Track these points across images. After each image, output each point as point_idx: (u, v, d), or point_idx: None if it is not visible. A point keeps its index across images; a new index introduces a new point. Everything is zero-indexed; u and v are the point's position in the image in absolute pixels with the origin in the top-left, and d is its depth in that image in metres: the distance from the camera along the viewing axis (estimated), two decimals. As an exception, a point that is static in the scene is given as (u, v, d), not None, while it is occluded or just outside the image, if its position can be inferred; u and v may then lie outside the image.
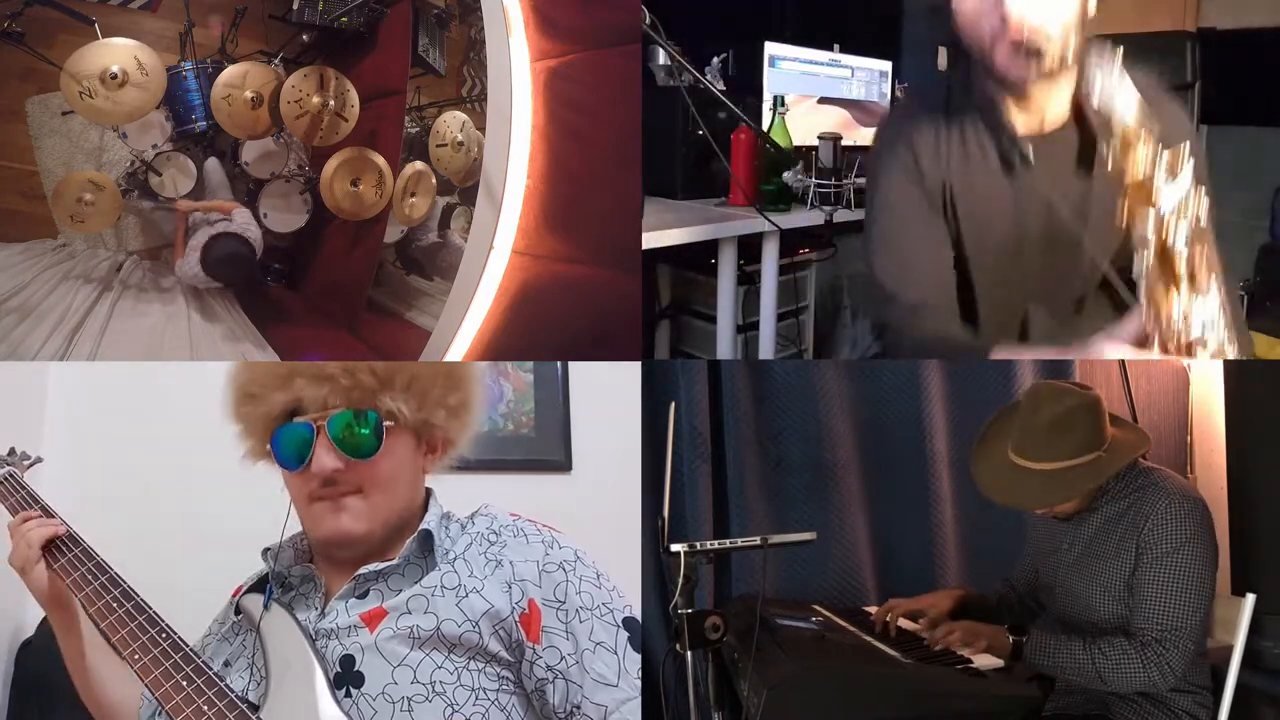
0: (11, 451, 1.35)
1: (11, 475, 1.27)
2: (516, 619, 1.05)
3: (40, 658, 1.97)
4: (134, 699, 1.19)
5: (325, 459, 1.08)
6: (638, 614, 1.13)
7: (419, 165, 2.96)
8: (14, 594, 1.15)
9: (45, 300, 2.66)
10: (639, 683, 1.08)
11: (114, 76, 2.49)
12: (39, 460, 1.34)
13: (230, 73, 2.72)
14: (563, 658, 1.05)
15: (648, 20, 2.00)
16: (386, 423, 1.10)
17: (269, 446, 1.11)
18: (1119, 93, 1.14)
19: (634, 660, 1.09)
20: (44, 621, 1.69)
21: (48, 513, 1.20)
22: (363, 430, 1.08)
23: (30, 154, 2.96)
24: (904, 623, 1.72)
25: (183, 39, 2.94)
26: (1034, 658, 1.51)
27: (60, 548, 1.15)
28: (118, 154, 2.99)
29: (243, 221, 2.82)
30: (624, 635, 1.10)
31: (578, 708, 1.05)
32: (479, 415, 1.22)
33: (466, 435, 1.21)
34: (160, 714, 1.03)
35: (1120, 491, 1.57)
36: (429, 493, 1.21)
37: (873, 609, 1.89)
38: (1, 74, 2.84)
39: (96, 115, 2.60)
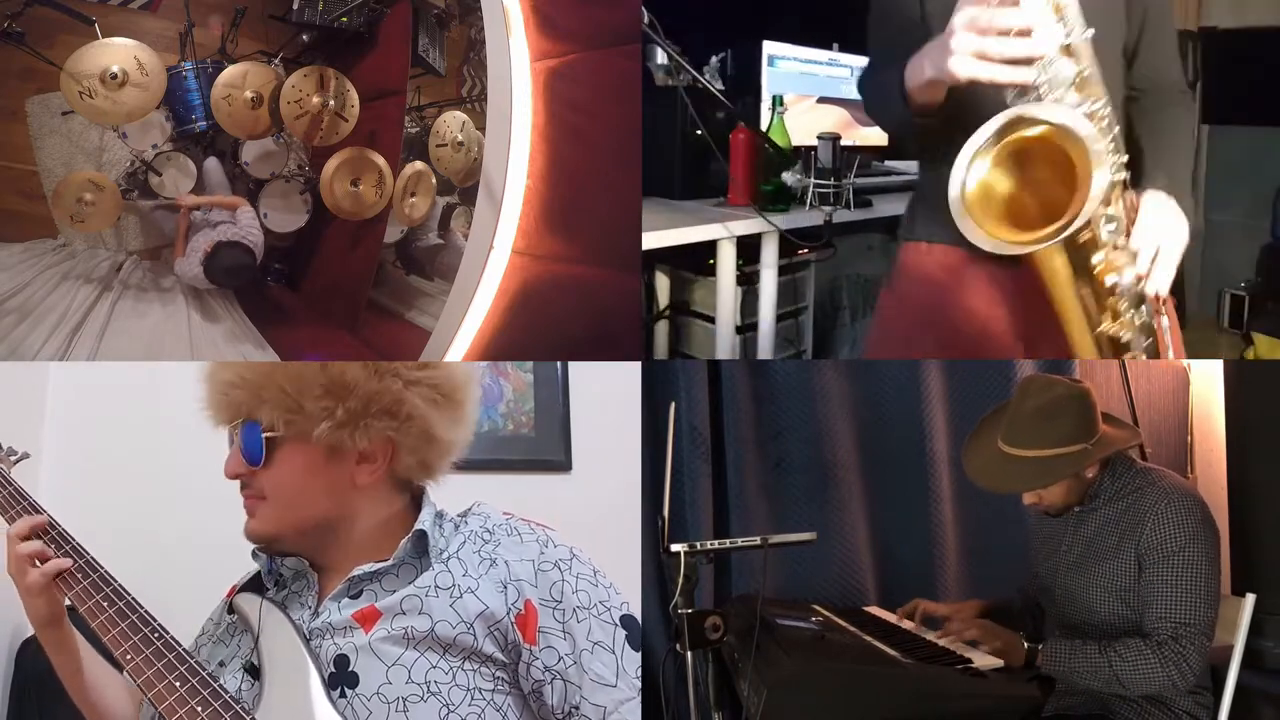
0: None
1: None
2: (512, 620, 1.05)
3: (40, 657, 1.96)
4: (133, 708, 1.19)
5: (230, 463, 1.14)
6: (636, 612, 1.13)
7: (419, 165, 2.97)
8: (13, 594, 1.14)
9: (45, 300, 2.66)
10: (638, 682, 1.08)
11: (114, 76, 2.50)
12: (25, 456, 1.32)
13: (230, 73, 2.72)
14: (560, 658, 1.05)
15: (646, 20, 2.00)
16: (267, 434, 1.11)
17: None
18: None
19: (632, 659, 1.08)
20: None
21: (34, 509, 1.18)
22: (250, 440, 1.11)
23: (30, 154, 2.96)
24: (907, 624, 1.72)
25: (183, 39, 2.94)
26: (1049, 666, 1.51)
27: (50, 547, 1.14)
28: (118, 154, 2.99)
29: (246, 223, 2.83)
30: (622, 634, 1.09)
31: (576, 708, 1.04)
32: (423, 424, 1.14)
33: (410, 446, 1.14)
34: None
35: (1119, 492, 1.57)
36: (422, 492, 1.20)
37: (873, 609, 1.89)
38: (1, 74, 2.84)
39: (96, 115, 2.60)
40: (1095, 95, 1.23)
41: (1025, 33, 1.17)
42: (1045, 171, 1.24)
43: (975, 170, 1.24)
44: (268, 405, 1.11)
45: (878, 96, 1.52)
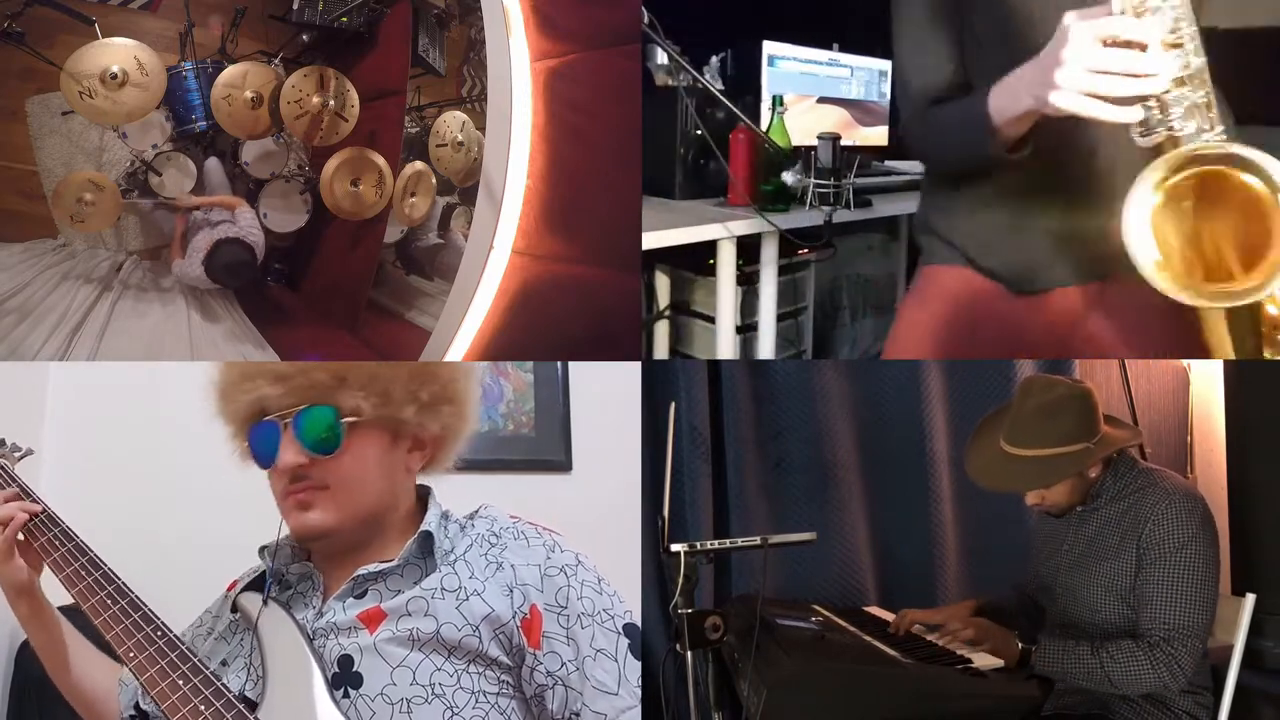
0: (2, 443, 1.32)
1: (2, 468, 1.25)
2: (518, 624, 1.05)
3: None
4: (113, 684, 1.19)
5: (288, 455, 1.08)
6: (636, 613, 1.13)
7: (419, 165, 2.97)
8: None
9: (45, 300, 2.66)
10: (639, 691, 1.08)
11: (114, 76, 2.50)
12: (29, 452, 1.32)
13: (230, 73, 2.72)
14: (563, 664, 1.05)
15: (646, 20, 2.00)
16: (348, 419, 1.09)
17: (246, 444, 1.13)
18: None
19: (634, 668, 1.08)
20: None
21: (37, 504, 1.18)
22: (322, 426, 1.09)
23: (30, 154, 2.96)
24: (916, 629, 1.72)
25: (183, 39, 2.95)
26: (1043, 666, 1.51)
27: (52, 543, 1.14)
28: (118, 154, 3.00)
29: (247, 223, 2.83)
30: (624, 642, 1.09)
31: (577, 715, 1.04)
32: (468, 411, 1.19)
33: (456, 433, 1.19)
34: (145, 698, 1.04)
35: (1120, 492, 1.57)
36: (428, 492, 1.20)
37: (873, 609, 1.89)
38: (1, 74, 2.84)
39: (96, 115, 2.60)
40: (1214, 122, 1.16)
41: (1146, 76, 1.09)
42: (1219, 206, 1.13)
43: (1156, 220, 1.12)
44: (351, 389, 1.10)
45: (951, 134, 1.41)
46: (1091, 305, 1.47)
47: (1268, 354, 1.26)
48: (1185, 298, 1.13)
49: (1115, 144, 1.32)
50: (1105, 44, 1.09)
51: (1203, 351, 1.28)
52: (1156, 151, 1.16)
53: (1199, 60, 1.15)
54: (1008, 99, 1.23)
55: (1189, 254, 1.15)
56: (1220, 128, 1.16)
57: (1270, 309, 1.23)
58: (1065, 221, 1.42)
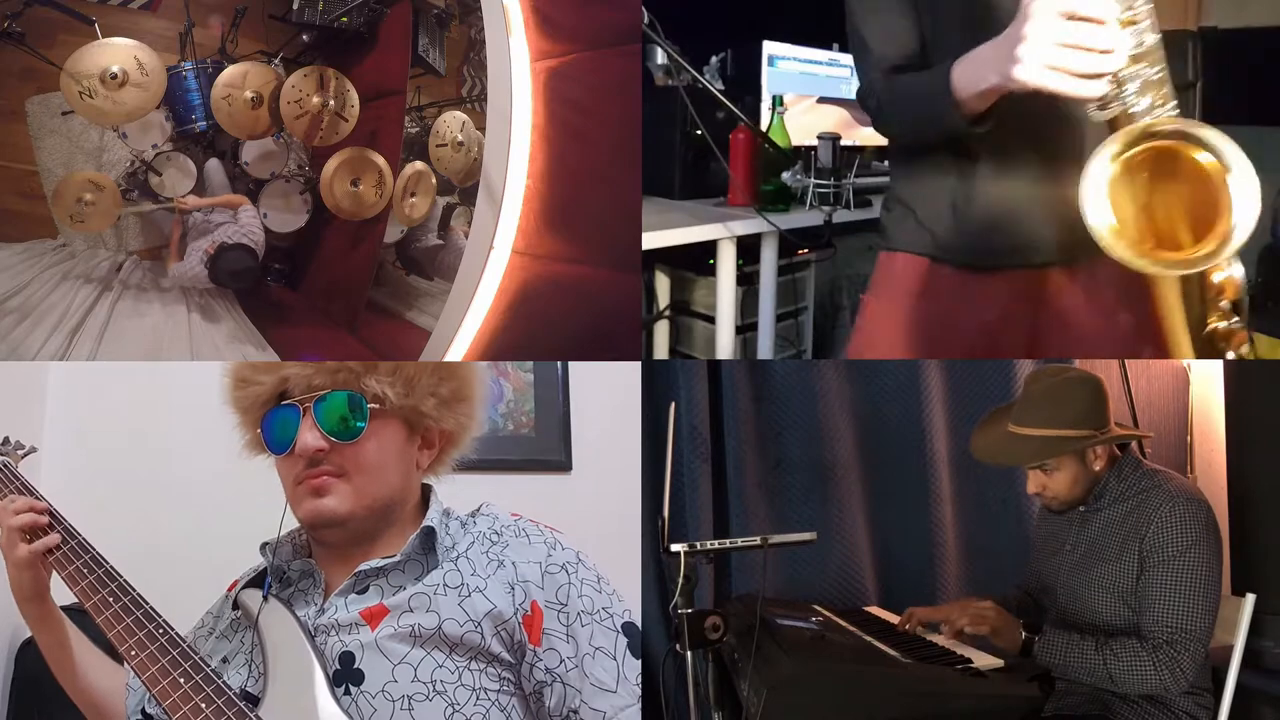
0: (5, 441, 1.32)
1: (5, 465, 1.25)
2: (519, 620, 1.05)
3: (41, 657, 1.97)
4: (117, 685, 1.20)
5: (309, 439, 1.08)
6: (636, 619, 1.13)
7: (419, 165, 2.97)
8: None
9: (45, 300, 2.67)
10: (637, 689, 1.08)
11: (114, 76, 2.50)
12: (33, 450, 1.32)
13: (230, 73, 2.72)
14: (562, 661, 1.05)
15: (646, 20, 2.01)
16: (372, 405, 1.10)
17: (259, 431, 1.13)
18: None
19: (632, 666, 1.09)
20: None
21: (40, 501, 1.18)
22: (347, 411, 1.09)
23: (30, 154, 2.97)
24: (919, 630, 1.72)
25: (183, 39, 2.95)
26: (1044, 656, 1.51)
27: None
28: (118, 154, 3.00)
29: (247, 222, 2.83)
30: (623, 641, 1.09)
31: (575, 712, 1.04)
32: (477, 411, 1.21)
33: (466, 431, 1.21)
34: (150, 702, 1.04)
35: (1124, 493, 1.57)
36: (429, 489, 1.21)
37: (873, 609, 1.89)
38: (1, 74, 2.84)
39: (96, 115, 2.60)
40: (1166, 98, 1.18)
41: (1106, 51, 1.10)
42: (1170, 179, 1.15)
43: (1111, 192, 1.14)
44: (376, 377, 1.11)
45: (914, 105, 1.41)
46: (1048, 291, 1.46)
47: (1211, 321, 1.31)
48: (1142, 265, 1.15)
49: (1069, 127, 1.33)
50: (1067, 19, 1.10)
51: (1156, 338, 1.31)
52: (1111, 127, 1.17)
53: (1153, 37, 1.16)
54: (972, 74, 1.24)
55: (1143, 223, 1.17)
56: (1173, 102, 1.18)
57: (1215, 276, 1.28)
58: (1021, 200, 1.41)
